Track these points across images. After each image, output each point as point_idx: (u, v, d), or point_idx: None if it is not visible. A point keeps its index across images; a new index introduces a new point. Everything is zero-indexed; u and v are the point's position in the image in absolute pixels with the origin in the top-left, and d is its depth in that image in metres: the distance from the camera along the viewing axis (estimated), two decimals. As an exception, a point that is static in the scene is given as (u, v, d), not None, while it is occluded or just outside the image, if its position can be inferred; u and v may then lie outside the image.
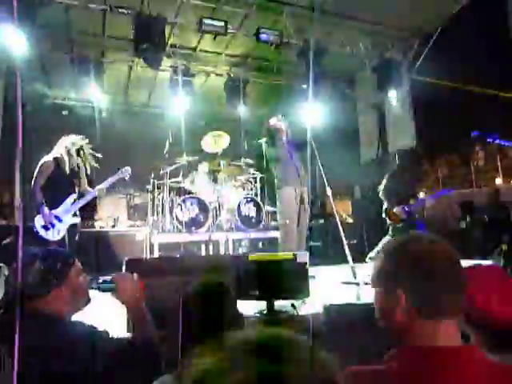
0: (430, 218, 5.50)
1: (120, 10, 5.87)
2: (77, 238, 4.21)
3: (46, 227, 3.92)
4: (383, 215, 5.11)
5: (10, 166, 7.29)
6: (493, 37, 6.52)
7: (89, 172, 4.44)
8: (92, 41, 7.15)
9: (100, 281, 1.53)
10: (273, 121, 4.66)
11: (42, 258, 1.37)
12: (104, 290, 1.51)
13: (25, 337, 1.10)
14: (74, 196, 4.16)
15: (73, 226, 4.12)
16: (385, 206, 5.05)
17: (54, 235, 3.95)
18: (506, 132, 4.15)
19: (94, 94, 7.40)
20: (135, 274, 1.61)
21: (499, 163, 10.66)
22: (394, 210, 4.92)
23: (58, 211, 4.02)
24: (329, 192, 4.19)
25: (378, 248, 5.18)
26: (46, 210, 3.91)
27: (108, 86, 7.94)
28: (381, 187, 5.17)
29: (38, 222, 3.91)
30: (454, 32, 7.04)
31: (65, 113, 8.75)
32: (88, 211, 6.36)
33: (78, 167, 4.28)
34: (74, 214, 4.15)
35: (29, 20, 5.16)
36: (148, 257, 5.31)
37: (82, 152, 4.30)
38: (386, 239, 5.10)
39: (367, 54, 7.76)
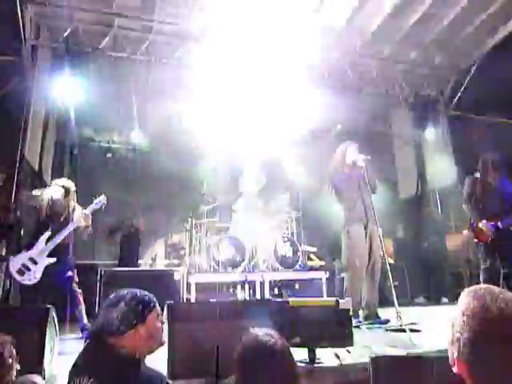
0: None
1: (163, 61, 6.27)
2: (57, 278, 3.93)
3: (20, 271, 3.73)
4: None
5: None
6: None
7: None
8: (136, 87, 7.62)
9: None
10: (359, 156, 4.18)
11: (127, 299, 1.54)
12: None
13: (100, 370, 1.29)
14: (48, 233, 3.91)
15: (48, 267, 3.84)
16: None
17: (30, 279, 3.74)
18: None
19: (136, 137, 7.78)
20: None
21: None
22: (480, 225, 4.00)
23: (32, 253, 3.81)
24: (379, 231, 3.95)
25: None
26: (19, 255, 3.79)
27: (149, 129, 8.33)
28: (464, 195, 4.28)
29: (13, 266, 3.74)
30: (490, 66, 6.94)
31: (109, 155, 9.19)
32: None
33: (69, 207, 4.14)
34: (49, 255, 3.87)
35: (81, 70, 5.60)
36: (187, 300, 5.29)
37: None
38: (482, 277, 4.09)
39: (402, 91, 7.75)
